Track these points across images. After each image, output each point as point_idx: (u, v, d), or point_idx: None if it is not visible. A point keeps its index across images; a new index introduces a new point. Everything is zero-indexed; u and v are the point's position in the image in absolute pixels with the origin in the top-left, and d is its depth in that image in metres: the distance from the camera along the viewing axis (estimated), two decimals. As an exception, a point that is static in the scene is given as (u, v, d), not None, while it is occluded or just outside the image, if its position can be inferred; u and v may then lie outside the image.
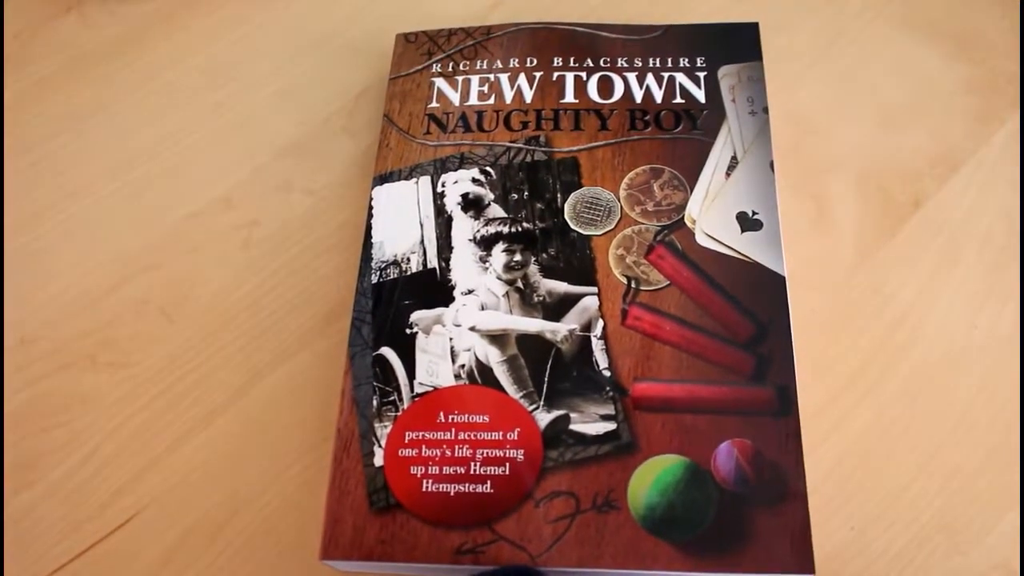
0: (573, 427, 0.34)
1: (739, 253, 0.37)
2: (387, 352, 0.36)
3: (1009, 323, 0.38)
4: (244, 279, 0.42)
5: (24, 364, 0.40)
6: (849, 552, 0.34)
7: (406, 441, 0.34)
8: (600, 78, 0.42)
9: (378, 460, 0.34)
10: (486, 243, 0.38)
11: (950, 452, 0.36)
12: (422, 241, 0.38)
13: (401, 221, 0.39)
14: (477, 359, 0.35)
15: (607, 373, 0.35)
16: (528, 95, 0.42)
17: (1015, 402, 0.37)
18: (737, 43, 0.43)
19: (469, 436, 0.34)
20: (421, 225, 0.39)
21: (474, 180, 0.40)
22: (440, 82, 0.43)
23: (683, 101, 0.41)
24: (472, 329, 0.36)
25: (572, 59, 0.43)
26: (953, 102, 0.44)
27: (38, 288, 0.42)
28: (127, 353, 0.40)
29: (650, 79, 0.42)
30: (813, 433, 0.36)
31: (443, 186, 0.40)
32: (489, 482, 0.33)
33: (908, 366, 0.38)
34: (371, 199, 0.40)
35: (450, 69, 0.43)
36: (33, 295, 0.42)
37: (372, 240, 0.39)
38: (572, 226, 0.38)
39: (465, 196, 0.39)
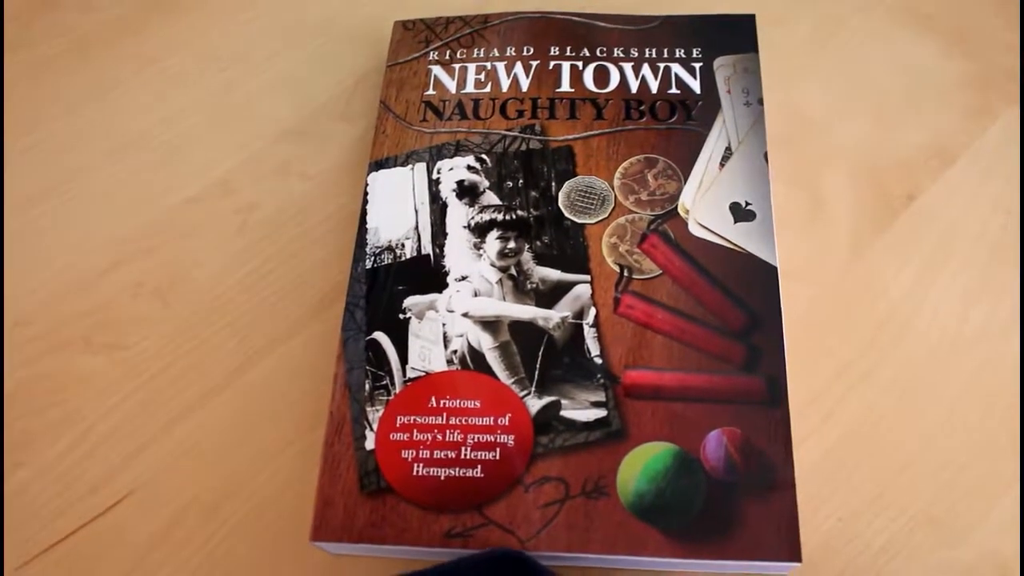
0: (564, 413, 0.34)
1: (732, 243, 0.37)
2: (380, 337, 0.36)
3: (1001, 317, 0.38)
4: (240, 263, 0.42)
5: (19, 345, 0.40)
6: (836, 542, 0.34)
7: (397, 425, 0.34)
8: (596, 68, 0.42)
9: (369, 444, 0.34)
10: (480, 230, 0.38)
11: (939, 446, 0.36)
12: (417, 227, 0.39)
13: (396, 207, 0.39)
14: (470, 345, 0.36)
15: (599, 360, 0.35)
16: (524, 84, 0.42)
17: (1005, 396, 0.37)
18: (733, 35, 0.43)
19: (460, 421, 0.34)
20: (416, 211, 0.39)
21: (469, 167, 0.40)
22: (437, 70, 0.43)
23: (678, 92, 0.41)
24: (465, 315, 0.36)
25: (568, 48, 0.43)
26: (949, 96, 0.44)
27: (35, 269, 0.42)
28: (122, 335, 0.40)
29: (646, 69, 0.42)
30: (803, 423, 0.36)
31: (438, 173, 0.40)
32: (480, 467, 0.33)
33: (899, 359, 0.38)
34: (367, 185, 0.40)
35: (447, 57, 0.44)
36: (30, 276, 0.42)
37: (367, 225, 0.39)
38: (566, 214, 0.38)
39: (460, 183, 0.40)
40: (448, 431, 0.34)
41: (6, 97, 0.48)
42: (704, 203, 0.38)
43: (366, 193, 0.40)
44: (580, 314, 0.36)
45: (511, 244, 0.38)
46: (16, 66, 0.49)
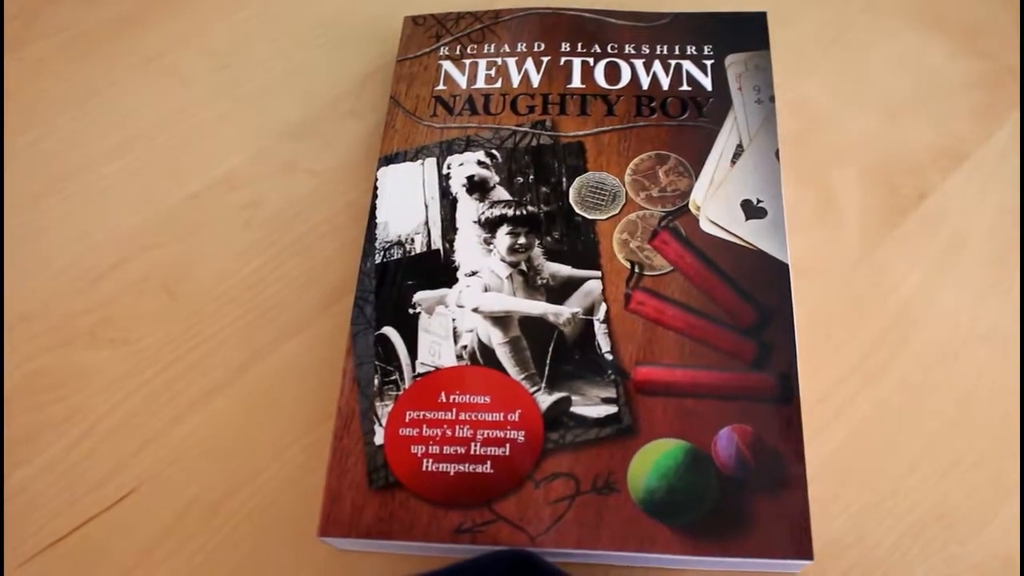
0: (574, 409, 0.34)
1: (743, 240, 0.37)
2: (389, 332, 0.36)
3: (1010, 315, 0.38)
4: (247, 259, 0.42)
5: (25, 340, 0.40)
6: (847, 539, 0.34)
7: (407, 420, 0.34)
8: (607, 64, 0.42)
9: (378, 439, 0.34)
10: (490, 225, 0.38)
11: (949, 443, 0.36)
12: (426, 222, 0.38)
13: (406, 202, 0.39)
14: (479, 340, 0.35)
15: (609, 356, 0.35)
16: (535, 79, 0.42)
17: (1015, 394, 0.37)
18: (745, 32, 0.43)
19: (470, 417, 0.34)
20: (426, 206, 0.39)
21: (480, 163, 0.40)
22: (447, 65, 0.43)
23: (690, 88, 0.41)
24: (475, 310, 0.36)
25: (580, 44, 0.43)
26: (958, 96, 0.44)
27: (40, 266, 0.42)
28: (128, 331, 0.40)
29: (657, 66, 0.42)
30: (814, 421, 0.36)
31: (448, 168, 0.40)
32: (489, 463, 0.33)
33: (909, 356, 0.38)
34: (376, 180, 0.40)
35: (458, 52, 0.43)
36: (35, 273, 0.42)
37: (376, 220, 0.39)
38: (577, 210, 0.38)
39: (470, 178, 0.39)
40: (458, 427, 0.34)
41: (9, 93, 0.48)
42: (715, 200, 0.38)
43: (375, 188, 0.40)
44: (591, 310, 0.36)
45: (521, 240, 0.38)
46: (19, 63, 0.49)
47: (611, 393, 0.34)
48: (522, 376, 0.35)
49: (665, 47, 0.43)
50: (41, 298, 0.41)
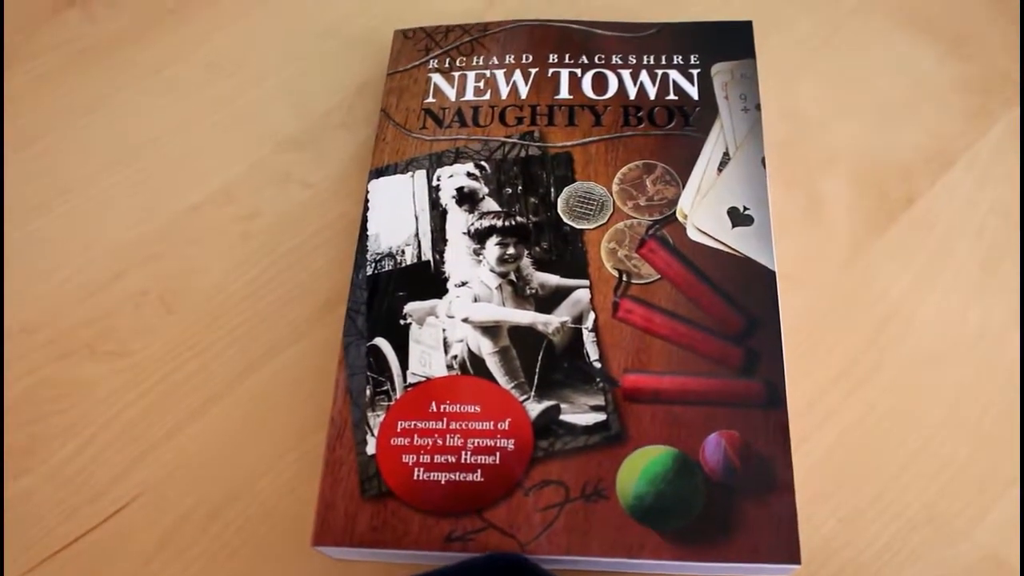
0: (563, 417, 0.34)
1: (730, 248, 0.37)
2: (381, 343, 0.36)
3: (999, 319, 0.39)
4: (242, 270, 0.42)
5: (24, 352, 0.40)
6: (836, 543, 0.34)
7: (398, 430, 0.34)
8: (595, 75, 0.43)
9: (370, 449, 0.34)
10: (480, 236, 0.39)
11: (938, 446, 0.36)
12: (417, 234, 0.39)
13: (396, 214, 0.40)
14: (469, 350, 0.36)
15: (598, 365, 0.35)
16: (523, 91, 0.43)
17: (1004, 397, 0.37)
18: (731, 41, 0.43)
19: (461, 426, 0.34)
20: (416, 218, 0.39)
21: (469, 174, 0.40)
22: (437, 78, 0.44)
23: (676, 98, 0.42)
24: (465, 320, 0.36)
25: (567, 56, 0.44)
26: (947, 99, 0.45)
27: (39, 278, 0.43)
28: (126, 342, 0.41)
29: (644, 76, 0.43)
30: (802, 426, 0.36)
31: (438, 180, 0.40)
32: (480, 471, 0.33)
33: (898, 361, 0.38)
34: (367, 192, 0.40)
35: (447, 65, 0.44)
36: (34, 285, 0.42)
37: (368, 233, 0.39)
38: (565, 220, 0.39)
39: (460, 190, 0.40)
40: (448, 436, 0.34)
41: (10, 107, 0.49)
42: (702, 208, 0.38)
43: (367, 200, 0.40)
44: (579, 319, 0.36)
45: (510, 250, 0.38)
46: (20, 76, 0.50)
47: (600, 401, 0.34)
48: (512, 385, 0.35)
49: (652, 57, 0.43)
50: (42, 310, 0.42)
